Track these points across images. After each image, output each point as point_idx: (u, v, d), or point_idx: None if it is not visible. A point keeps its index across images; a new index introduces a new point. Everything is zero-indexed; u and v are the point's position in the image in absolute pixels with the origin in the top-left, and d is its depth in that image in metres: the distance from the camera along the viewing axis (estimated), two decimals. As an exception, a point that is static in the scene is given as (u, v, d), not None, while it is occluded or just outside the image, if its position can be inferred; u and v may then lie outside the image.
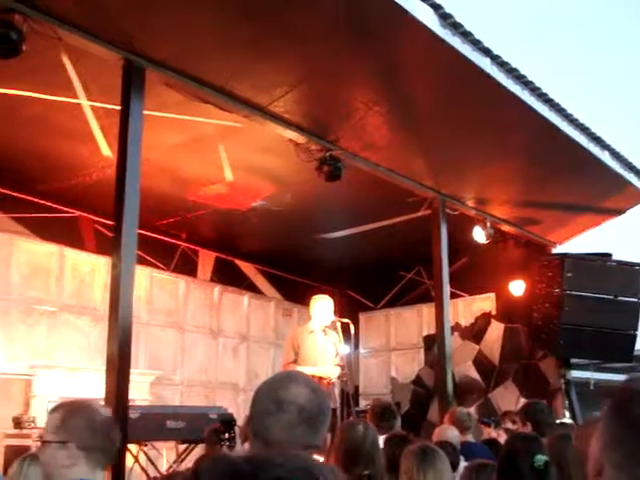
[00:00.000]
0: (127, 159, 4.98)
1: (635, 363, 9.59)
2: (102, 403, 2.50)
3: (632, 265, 9.21)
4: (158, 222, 9.32)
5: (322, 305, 7.26)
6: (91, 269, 9.01)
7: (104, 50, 4.95)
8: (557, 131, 6.82)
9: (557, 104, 6.65)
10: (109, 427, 2.37)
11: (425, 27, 5.03)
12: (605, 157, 7.66)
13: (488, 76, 5.76)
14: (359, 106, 6.05)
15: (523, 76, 6.15)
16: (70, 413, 2.34)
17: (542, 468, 2.73)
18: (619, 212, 9.34)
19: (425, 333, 11.30)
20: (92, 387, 6.92)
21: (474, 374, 10.62)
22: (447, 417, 5.99)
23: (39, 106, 6.09)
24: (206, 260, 10.69)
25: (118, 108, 5.17)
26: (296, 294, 11.37)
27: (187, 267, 10.36)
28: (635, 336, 9.23)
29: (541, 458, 2.74)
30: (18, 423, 7.19)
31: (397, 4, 4.73)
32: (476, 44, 5.58)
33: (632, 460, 1.07)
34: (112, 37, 4.90)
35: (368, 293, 12.26)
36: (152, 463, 6.80)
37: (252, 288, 11.38)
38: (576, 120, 6.99)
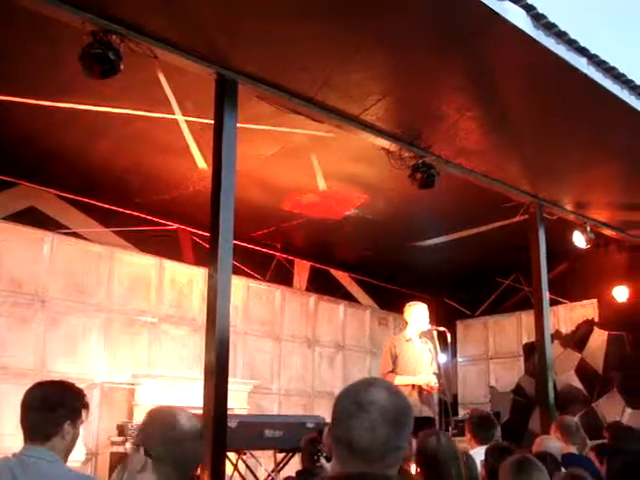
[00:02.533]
0: (222, 171, 5.05)
1: None
2: (191, 413, 2.45)
3: None
4: (253, 233, 9.45)
5: (418, 311, 7.20)
6: (189, 280, 9.21)
7: (197, 66, 5.05)
8: (660, 130, 6.55)
9: (660, 103, 6.39)
10: (186, 440, 2.31)
11: (518, 29, 4.90)
12: None
13: (585, 76, 5.58)
14: (452, 112, 5.98)
15: (622, 75, 5.93)
16: (151, 419, 2.38)
17: None
18: None
19: (525, 341, 11.07)
20: (192, 396, 7.05)
21: (577, 383, 10.32)
22: (553, 426, 5.82)
23: (137, 122, 6.28)
24: (301, 270, 10.76)
25: (212, 122, 5.26)
26: (391, 302, 11.31)
27: (283, 277, 10.46)
28: None
29: None
30: (122, 431, 7.41)
31: (488, 7, 4.64)
32: (571, 44, 5.42)
33: None
34: (205, 53, 4.99)
35: (465, 301, 12.10)
36: (251, 471, 6.88)
37: (347, 297, 11.39)
38: (681, 119, 6.70)
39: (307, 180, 7.73)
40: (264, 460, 7.55)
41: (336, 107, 5.83)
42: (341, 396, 1.85)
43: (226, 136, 5.11)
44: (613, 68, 5.82)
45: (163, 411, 2.45)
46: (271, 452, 7.02)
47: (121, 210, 8.45)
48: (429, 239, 9.81)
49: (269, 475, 7.10)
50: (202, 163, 7.06)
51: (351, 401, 1.80)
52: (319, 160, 7.24)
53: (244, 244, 9.07)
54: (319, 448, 2.90)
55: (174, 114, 6.13)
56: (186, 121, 6.30)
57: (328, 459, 2.90)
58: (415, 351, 7.10)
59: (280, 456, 6.85)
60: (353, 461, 1.74)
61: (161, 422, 2.36)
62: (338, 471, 1.77)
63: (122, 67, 4.56)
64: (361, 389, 1.83)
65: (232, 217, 5.04)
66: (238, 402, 8.16)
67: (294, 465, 6.59)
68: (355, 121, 6.05)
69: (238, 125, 5.24)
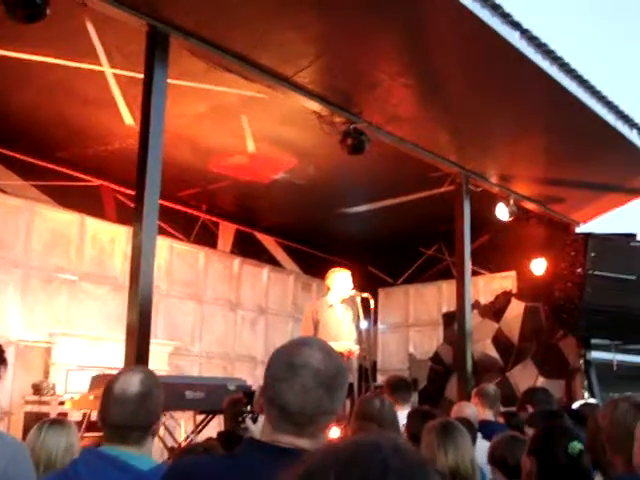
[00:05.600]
0: (150, 128, 4.94)
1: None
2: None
3: (657, 246, 9.06)
4: (179, 193, 9.31)
5: (341, 278, 7.21)
6: (111, 238, 9.01)
7: (128, 16, 4.90)
8: (585, 108, 6.68)
9: (586, 81, 6.50)
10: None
11: (454, -3, 4.92)
12: (633, 136, 7.50)
13: (516, 50, 5.64)
14: (384, 78, 5.97)
15: (552, 51, 6.02)
16: None
17: (576, 456, 2.64)
18: (645, 192, 9.20)
19: (444, 310, 11.25)
20: (111, 356, 6.94)
21: (493, 352, 10.57)
22: (474, 393, 5.95)
23: (63, 73, 6.06)
24: (226, 232, 10.66)
25: (141, 76, 5.12)
26: (315, 268, 11.31)
27: (207, 239, 10.35)
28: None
29: (576, 445, 2.65)
30: (38, 390, 7.25)
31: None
32: (505, 17, 5.46)
33: None
34: (137, 3, 4.84)
35: (388, 269, 12.20)
36: (170, 433, 6.82)
37: (272, 261, 11.36)
38: (605, 98, 6.84)
39: (236, 141, 7.62)
40: (184, 422, 7.51)
41: (269, 67, 5.75)
42: (274, 357, 1.80)
43: (155, 91, 4.98)
44: (544, 44, 5.90)
45: None
46: (191, 414, 6.97)
47: (42, 164, 8.17)
48: (356, 206, 9.84)
49: (188, 437, 7.06)
50: (129, 119, 6.87)
51: (284, 362, 1.74)
52: (249, 121, 7.14)
53: (169, 204, 8.89)
54: (244, 410, 2.87)
55: (102, 66, 5.93)
56: (114, 74, 6.11)
57: (254, 420, 2.87)
58: (336, 317, 7.13)
59: (200, 418, 6.81)
60: (284, 424, 1.70)
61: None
62: (269, 434, 1.74)
63: (48, 12, 4.38)
64: (294, 350, 1.77)
65: (159, 176, 4.94)
66: (158, 363, 8.05)
67: (214, 427, 6.57)
68: (287, 82, 5.97)
69: (168, 81, 5.11)
